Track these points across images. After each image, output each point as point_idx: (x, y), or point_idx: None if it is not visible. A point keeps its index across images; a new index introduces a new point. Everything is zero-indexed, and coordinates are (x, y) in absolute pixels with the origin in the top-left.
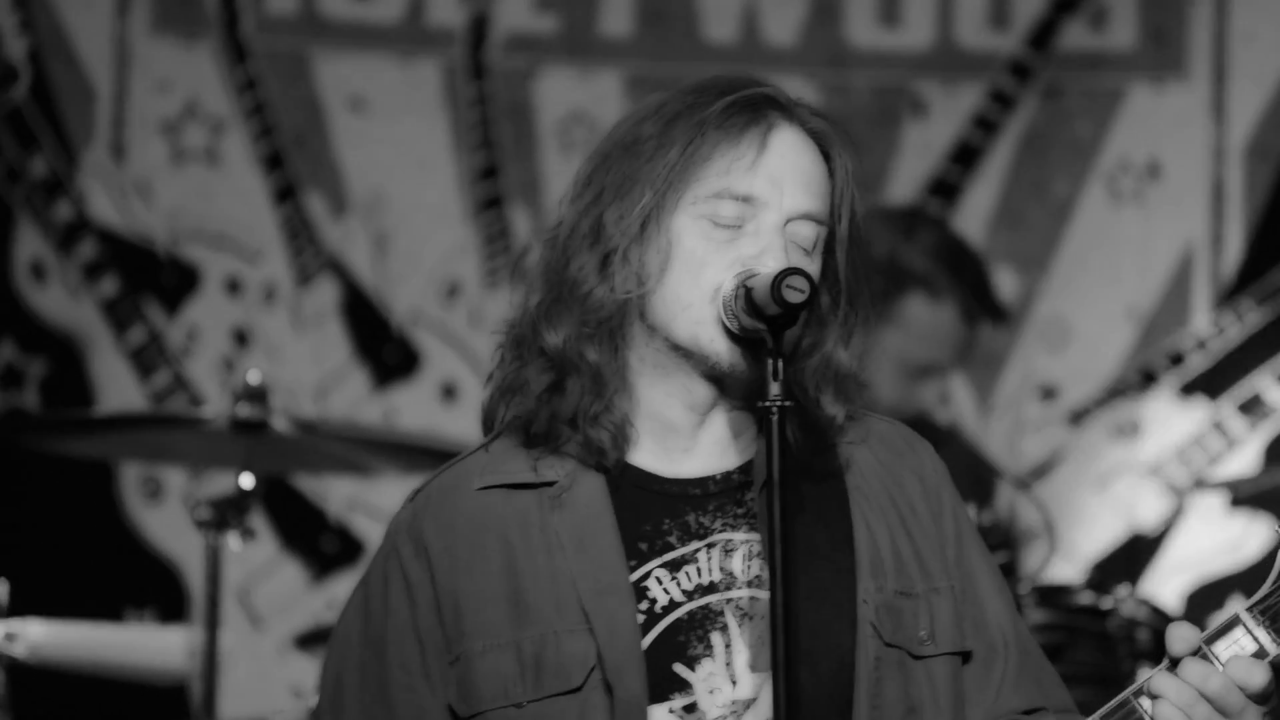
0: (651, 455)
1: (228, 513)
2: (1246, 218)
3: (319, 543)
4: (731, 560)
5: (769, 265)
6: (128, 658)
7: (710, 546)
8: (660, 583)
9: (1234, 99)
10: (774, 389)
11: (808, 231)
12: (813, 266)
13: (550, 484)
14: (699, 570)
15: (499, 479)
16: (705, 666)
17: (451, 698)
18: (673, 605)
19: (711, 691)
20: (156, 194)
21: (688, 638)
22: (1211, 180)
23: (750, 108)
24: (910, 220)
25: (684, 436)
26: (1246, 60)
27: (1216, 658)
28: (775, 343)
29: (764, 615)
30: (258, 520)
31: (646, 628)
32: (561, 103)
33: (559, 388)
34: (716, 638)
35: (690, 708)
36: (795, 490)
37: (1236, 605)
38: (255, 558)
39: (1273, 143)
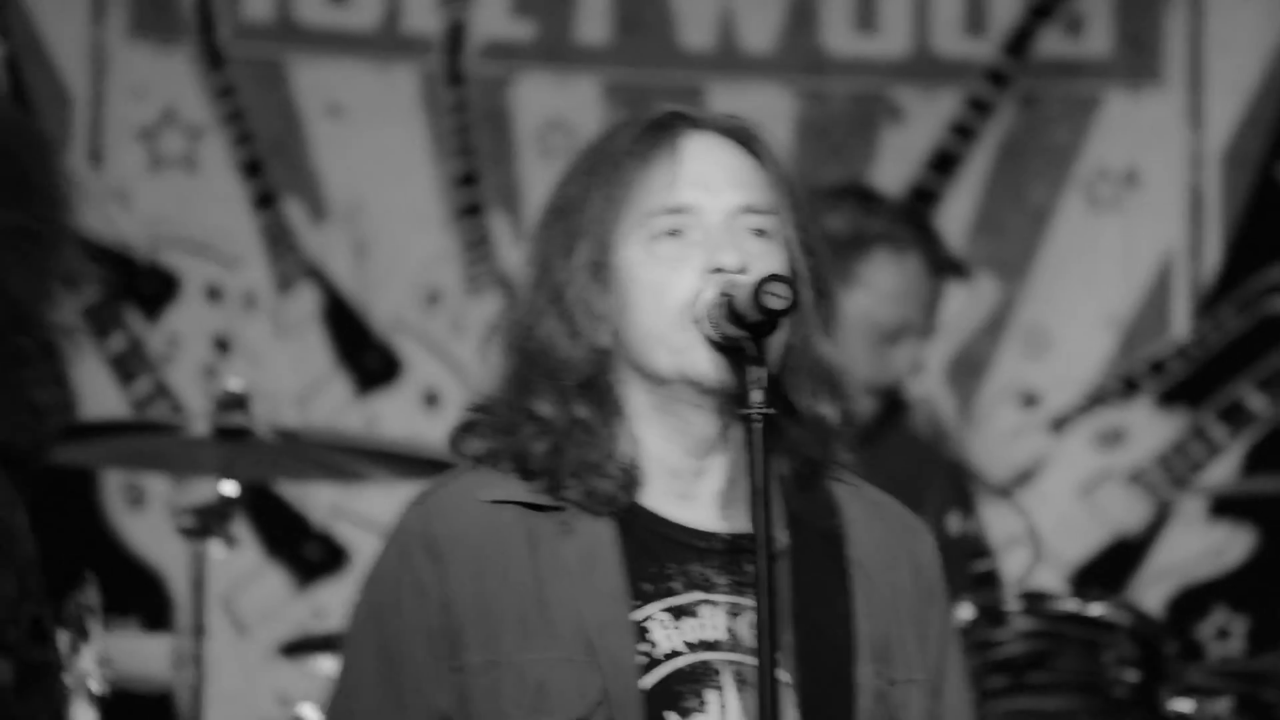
0: (659, 496)
1: (210, 520)
2: (1225, 225)
3: (303, 550)
4: (737, 622)
5: (729, 262)
6: (112, 666)
7: (714, 604)
8: (664, 626)
9: (1211, 106)
10: (756, 397)
11: (755, 222)
12: (777, 256)
13: (560, 508)
14: (701, 625)
15: (510, 495)
16: None
17: (449, 705)
18: (674, 654)
19: None
20: (135, 201)
21: (684, 689)
22: (1189, 187)
23: (656, 128)
24: (865, 192)
25: (685, 481)
26: (1223, 67)
27: None
28: (758, 350)
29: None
30: (241, 528)
31: (645, 670)
32: (539, 109)
33: (557, 450)
34: (712, 696)
35: None
36: (800, 562)
37: None
38: (239, 565)
39: (1250, 150)
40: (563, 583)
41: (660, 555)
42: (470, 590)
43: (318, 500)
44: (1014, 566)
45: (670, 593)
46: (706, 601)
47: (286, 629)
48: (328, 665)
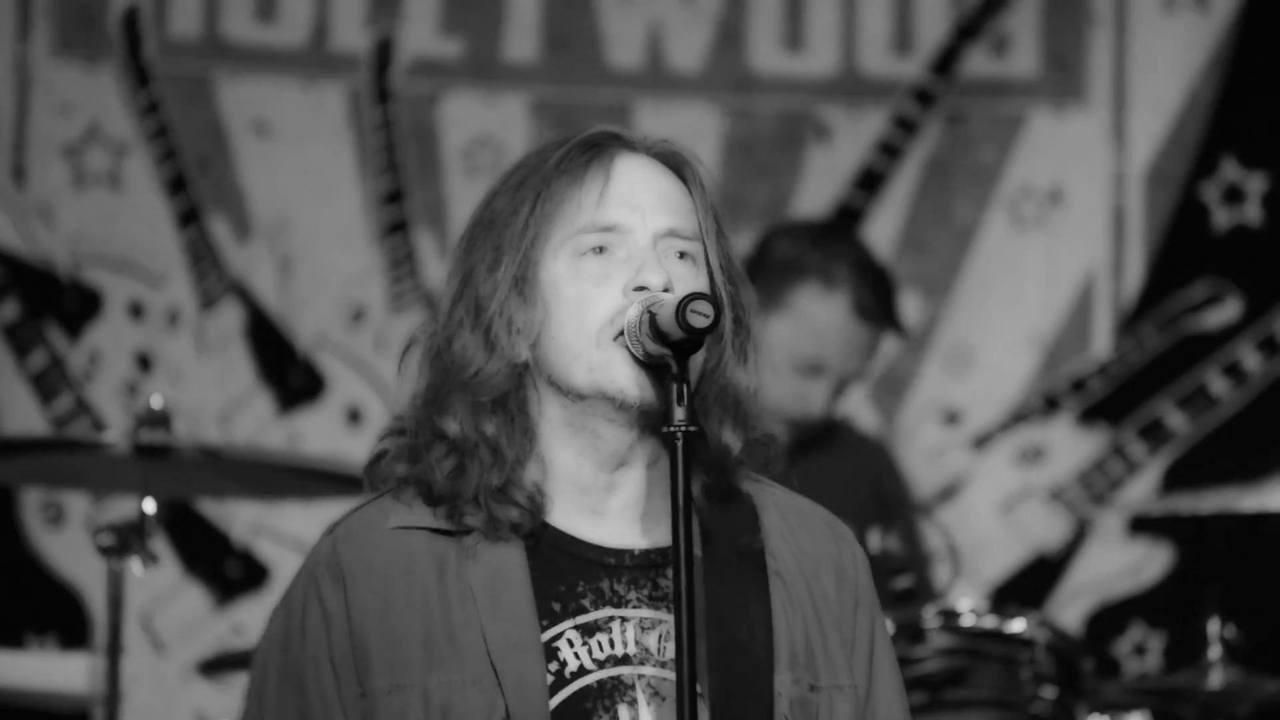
0: (569, 514)
1: (130, 538)
2: (1147, 243)
3: (223, 568)
4: (648, 637)
5: (651, 281)
6: (29, 684)
7: (625, 620)
8: (571, 645)
9: (1134, 126)
10: (678, 414)
11: (680, 246)
12: (698, 280)
13: (467, 531)
14: (611, 641)
15: (416, 521)
16: None
17: None
18: (582, 671)
19: None
20: (58, 217)
21: (595, 705)
22: (1112, 206)
23: (589, 146)
24: (827, 232)
25: (595, 497)
26: (1146, 87)
27: None
28: (680, 368)
29: (675, 697)
30: (160, 545)
31: (554, 689)
32: (466, 127)
33: (461, 470)
34: (623, 711)
35: None
36: (714, 573)
37: None
38: (158, 583)
39: (1172, 169)
40: (469, 607)
41: (570, 574)
42: (376, 616)
43: (239, 518)
44: (935, 583)
45: (580, 611)
46: (618, 617)
47: (205, 647)
48: (245, 683)
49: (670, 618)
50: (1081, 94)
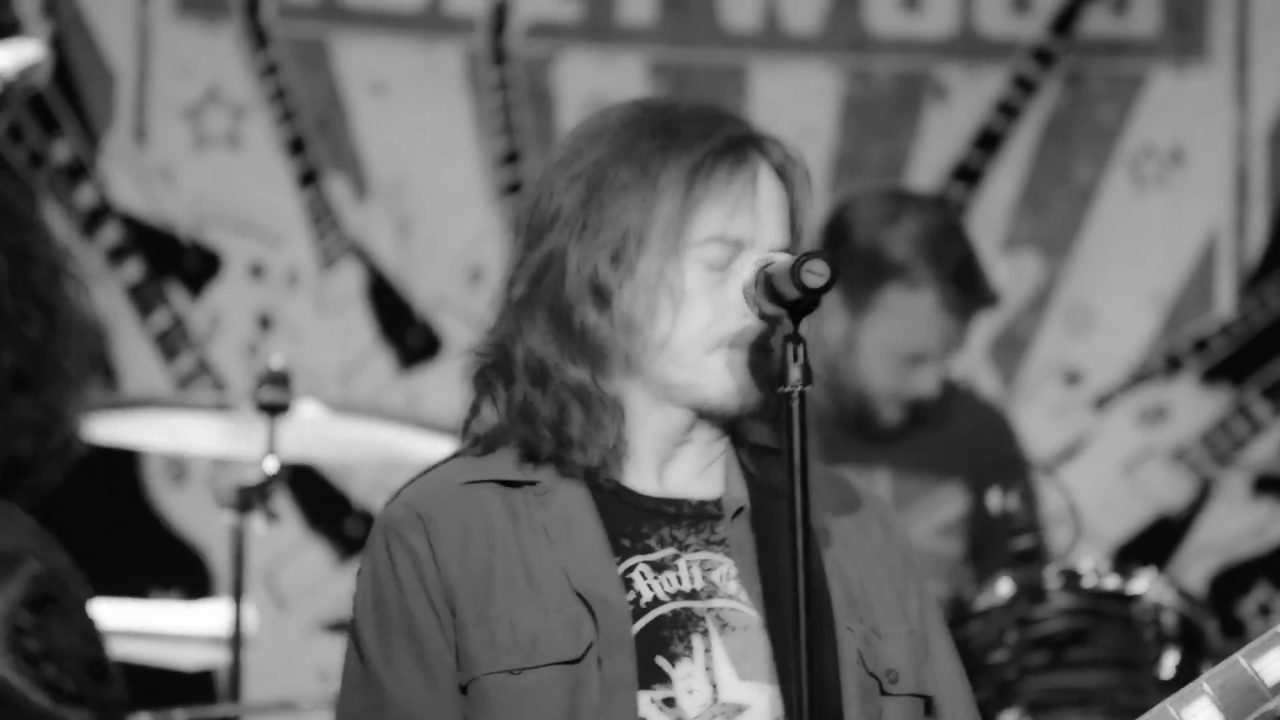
0: (627, 474)
1: (252, 496)
2: (1270, 203)
3: (344, 526)
4: (712, 574)
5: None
6: (155, 640)
7: (690, 559)
8: (645, 578)
9: (1257, 84)
10: (794, 374)
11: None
12: None
13: (534, 483)
14: (679, 577)
15: (485, 475)
16: (684, 666)
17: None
18: (656, 602)
19: (691, 692)
20: (179, 179)
21: (670, 634)
22: (1235, 166)
23: (734, 151)
24: (896, 205)
25: (655, 463)
26: (1269, 45)
27: (1259, 675)
28: (794, 328)
29: (745, 627)
30: (282, 504)
31: (633, 617)
32: (583, 89)
33: (565, 417)
34: (697, 640)
35: (670, 701)
36: (762, 522)
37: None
38: (280, 542)
39: None
40: (544, 547)
41: (634, 519)
42: (458, 559)
43: (359, 476)
44: (1055, 544)
45: (649, 549)
46: (682, 558)
47: (327, 604)
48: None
49: (726, 560)
50: (1203, 52)
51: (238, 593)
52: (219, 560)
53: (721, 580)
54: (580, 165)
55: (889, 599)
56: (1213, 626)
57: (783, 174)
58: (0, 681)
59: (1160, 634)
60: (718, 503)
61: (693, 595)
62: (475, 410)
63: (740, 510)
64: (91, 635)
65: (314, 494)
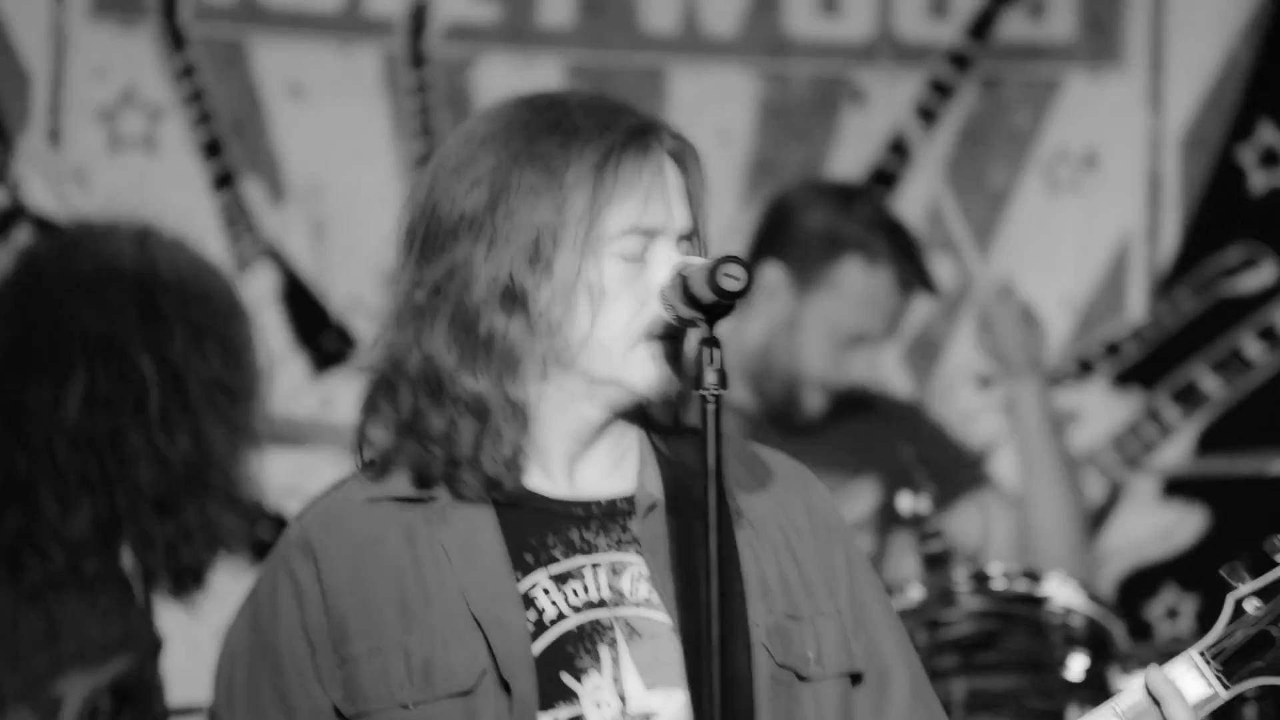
0: (534, 477)
1: None
2: (1182, 207)
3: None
4: (620, 579)
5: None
6: None
7: (596, 566)
8: (547, 594)
9: (1170, 90)
10: (710, 378)
11: (689, 245)
12: None
13: (433, 499)
14: (585, 587)
15: (385, 493)
16: (592, 679)
17: (337, 699)
18: (560, 617)
19: (598, 705)
20: (93, 181)
21: (576, 649)
22: (1148, 171)
23: (636, 140)
24: (847, 194)
25: (565, 463)
26: (1183, 51)
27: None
28: (710, 331)
29: (654, 635)
30: None
31: (535, 636)
32: (501, 91)
33: (456, 433)
34: (604, 652)
35: (576, 719)
36: (677, 515)
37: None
38: None
39: (1208, 133)
40: (443, 567)
41: (539, 527)
42: (349, 586)
43: (272, 480)
44: (965, 547)
45: (552, 560)
46: (588, 564)
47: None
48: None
49: (638, 559)
50: (1118, 57)
51: None
52: None
53: (631, 584)
54: (478, 171)
55: (812, 577)
56: (1120, 629)
57: (678, 158)
58: None
59: (1069, 636)
60: (630, 499)
61: (600, 604)
62: (363, 434)
63: (653, 506)
64: None
65: None
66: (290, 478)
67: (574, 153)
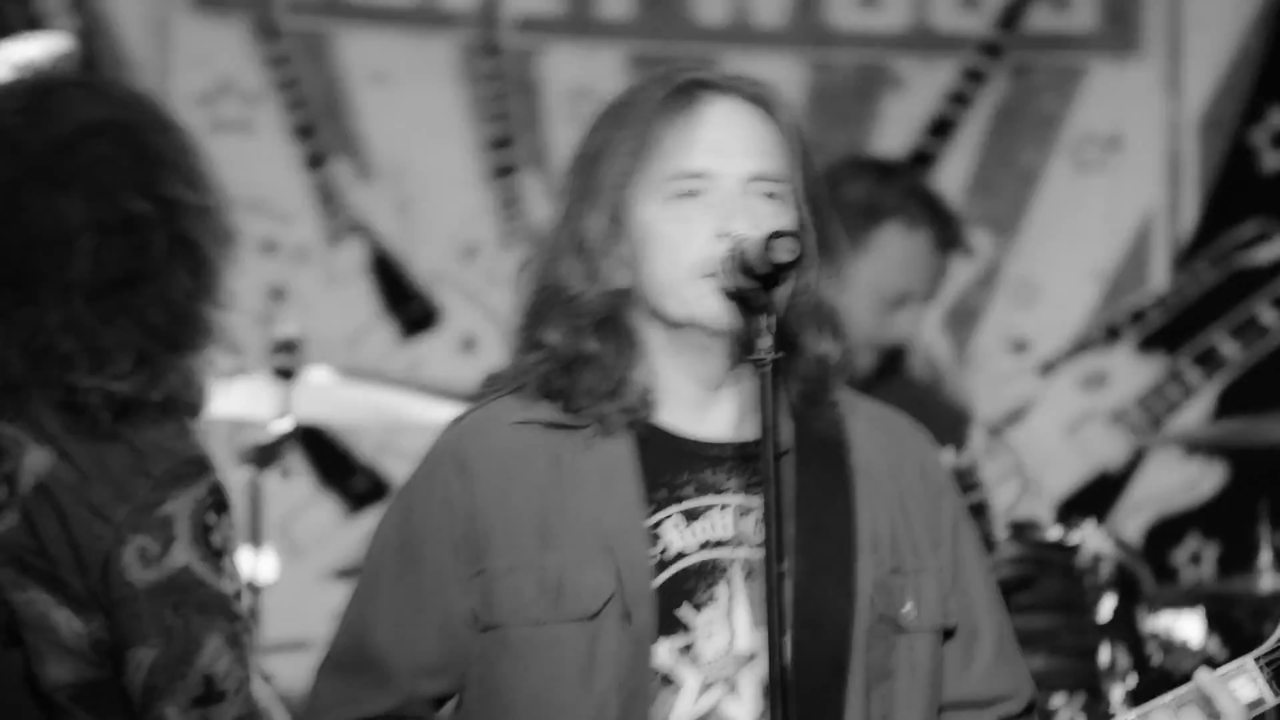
0: (673, 416)
1: (267, 454)
2: (1200, 186)
3: (350, 483)
4: (744, 522)
5: (741, 229)
6: None
7: (724, 507)
8: (676, 529)
9: (1188, 77)
10: (764, 343)
11: (766, 188)
12: (785, 219)
13: (583, 427)
14: (712, 525)
15: (535, 417)
16: (707, 614)
17: (476, 605)
18: (683, 554)
19: (710, 637)
20: None
21: (695, 584)
22: (1168, 152)
23: (681, 92)
24: (885, 168)
25: (699, 408)
26: (1200, 40)
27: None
28: (766, 300)
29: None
30: (295, 462)
31: (658, 569)
32: (567, 78)
33: (571, 377)
34: (721, 589)
35: (688, 648)
36: (802, 463)
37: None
38: (294, 495)
39: (1224, 117)
40: (582, 494)
41: (674, 466)
42: (495, 502)
43: (365, 437)
44: (1004, 498)
45: (684, 498)
46: (717, 504)
47: (337, 553)
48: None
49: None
50: (1138, 47)
51: (255, 542)
52: (238, 512)
53: (755, 527)
54: (572, 157)
55: (919, 533)
56: (1147, 574)
57: (755, 102)
58: (190, 569)
59: (1099, 581)
60: (760, 443)
61: (721, 544)
62: (523, 353)
63: (784, 453)
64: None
65: (324, 454)
66: (384, 436)
67: (628, 110)
